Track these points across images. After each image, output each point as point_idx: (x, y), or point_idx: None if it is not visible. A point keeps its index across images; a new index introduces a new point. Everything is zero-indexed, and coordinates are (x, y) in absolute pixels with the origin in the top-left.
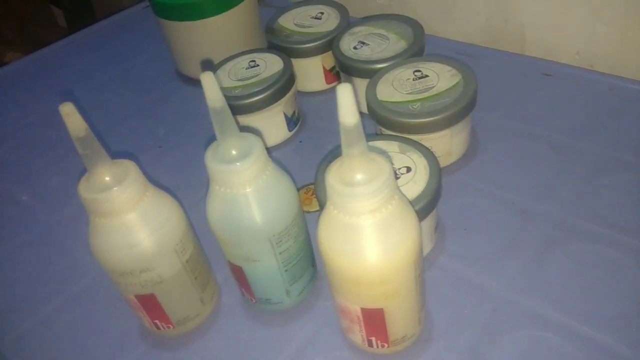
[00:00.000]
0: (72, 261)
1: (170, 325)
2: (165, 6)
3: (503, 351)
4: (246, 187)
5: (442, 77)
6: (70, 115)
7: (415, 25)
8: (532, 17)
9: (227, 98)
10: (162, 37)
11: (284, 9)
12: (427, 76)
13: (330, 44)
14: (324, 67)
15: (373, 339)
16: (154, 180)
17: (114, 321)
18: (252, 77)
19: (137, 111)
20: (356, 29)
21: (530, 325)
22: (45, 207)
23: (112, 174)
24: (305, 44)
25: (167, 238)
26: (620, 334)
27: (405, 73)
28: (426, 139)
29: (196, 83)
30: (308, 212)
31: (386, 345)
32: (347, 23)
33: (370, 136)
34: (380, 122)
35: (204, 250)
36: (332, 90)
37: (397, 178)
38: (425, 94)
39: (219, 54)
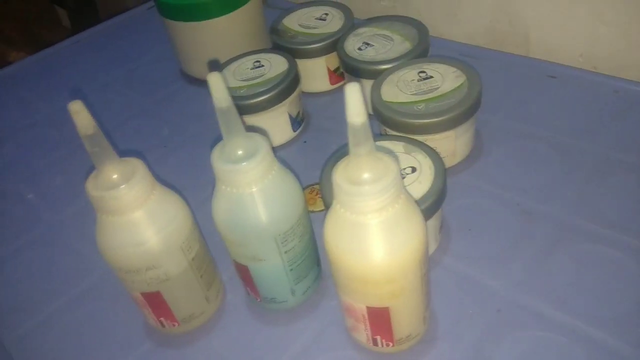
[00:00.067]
0: (76, 260)
1: (175, 323)
2: (170, 7)
3: (507, 351)
4: (252, 186)
5: (446, 78)
6: (79, 113)
7: (419, 27)
8: (536, 19)
9: (232, 98)
10: (167, 37)
11: (288, 10)
12: (431, 77)
13: (334, 45)
14: (328, 68)
15: (378, 337)
16: (159, 179)
17: (119, 319)
18: (257, 77)
19: (142, 111)
20: (361, 30)
21: (534, 325)
22: (49, 206)
23: (120, 172)
24: (309, 44)
25: (174, 236)
26: (623, 333)
27: (409, 74)
28: (431, 140)
29: (201, 83)
30: (313, 211)
31: (391, 344)
32: (351, 24)
33: (376, 136)
34: (385, 122)
35: (210, 249)
36: (337, 91)
37: (402, 178)
38: (430, 95)
39: (223, 54)
